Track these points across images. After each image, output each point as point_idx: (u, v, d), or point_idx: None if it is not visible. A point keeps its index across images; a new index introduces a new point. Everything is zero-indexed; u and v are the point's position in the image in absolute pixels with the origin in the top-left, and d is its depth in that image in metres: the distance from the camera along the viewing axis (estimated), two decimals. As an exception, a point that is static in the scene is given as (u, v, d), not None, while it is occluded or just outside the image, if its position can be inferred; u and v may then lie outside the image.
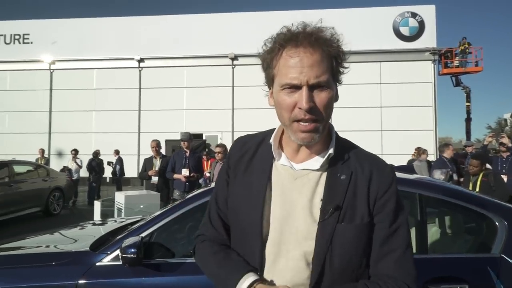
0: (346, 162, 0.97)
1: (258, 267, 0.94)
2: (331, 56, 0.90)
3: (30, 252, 2.58)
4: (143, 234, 2.18)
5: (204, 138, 15.97)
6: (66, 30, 17.93)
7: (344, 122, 16.12)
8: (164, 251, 2.16)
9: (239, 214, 1.00)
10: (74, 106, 17.60)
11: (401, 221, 0.95)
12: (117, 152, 12.26)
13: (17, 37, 18.48)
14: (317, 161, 0.96)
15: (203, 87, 16.74)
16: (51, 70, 18.03)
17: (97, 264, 2.12)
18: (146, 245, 2.10)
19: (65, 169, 10.86)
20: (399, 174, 2.64)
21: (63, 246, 2.66)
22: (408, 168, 5.33)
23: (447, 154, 6.42)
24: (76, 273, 2.10)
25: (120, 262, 2.01)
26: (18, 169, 8.57)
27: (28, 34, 18.39)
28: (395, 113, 16.06)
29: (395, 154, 13.72)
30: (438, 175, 5.89)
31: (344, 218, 0.91)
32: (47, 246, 2.83)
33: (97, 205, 5.49)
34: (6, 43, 18.50)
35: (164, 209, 2.44)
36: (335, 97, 0.95)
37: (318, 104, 0.89)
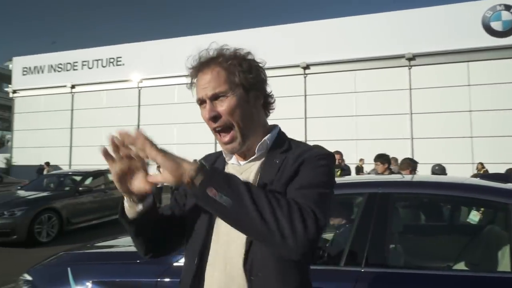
0: (284, 152, 1.07)
1: (200, 247, 1.05)
2: (226, 70, 1.03)
3: (120, 250, 2.86)
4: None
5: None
6: (151, 51, 19.72)
7: (431, 128, 14.99)
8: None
9: (195, 211, 1.09)
10: (158, 120, 19.16)
11: (321, 177, 1.00)
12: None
13: (111, 60, 20.85)
14: (258, 152, 1.08)
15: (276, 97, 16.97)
16: (139, 88, 19.91)
17: (175, 264, 2.26)
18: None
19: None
20: (487, 183, 2.37)
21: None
22: (503, 176, 4.70)
23: None
24: (156, 271, 2.26)
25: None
26: (111, 177, 9.58)
27: (120, 57, 20.62)
28: (488, 117, 14.42)
29: (490, 163, 12.28)
30: None
31: (274, 190, 0.98)
32: (134, 246, 3.10)
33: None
34: (103, 66, 20.98)
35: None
36: (245, 101, 1.04)
37: (222, 112, 1.01)
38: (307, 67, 16.96)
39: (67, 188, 8.17)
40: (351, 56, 15.99)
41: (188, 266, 1.09)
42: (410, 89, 15.34)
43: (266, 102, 1.14)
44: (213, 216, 1.03)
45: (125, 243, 3.16)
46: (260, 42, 17.45)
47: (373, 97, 15.74)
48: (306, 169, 1.00)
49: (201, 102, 1.05)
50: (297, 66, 16.96)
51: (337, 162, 6.30)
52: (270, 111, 1.16)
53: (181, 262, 2.24)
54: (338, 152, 6.42)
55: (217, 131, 1.04)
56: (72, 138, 20.83)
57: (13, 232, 6.48)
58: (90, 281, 2.36)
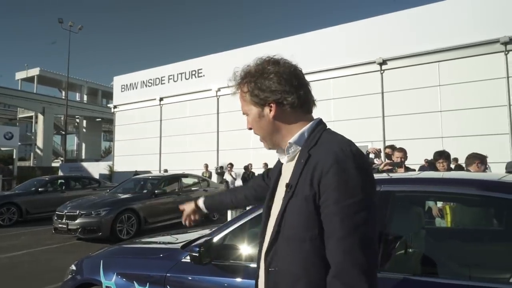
0: (310, 149, 1.10)
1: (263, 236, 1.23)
2: (245, 92, 1.23)
3: (148, 246, 3.10)
4: (219, 236, 2.34)
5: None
6: (227, 61, 20.63)
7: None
8: (234, 253, 2.25)
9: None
10: (236, 126, 19.92)
11: (341, 206, 0.96)
12: (265, 165, 13.23)
13: (193, 72, 22.40)
14: (287, 152, 1.21)
15: (350, 97, 16.38)
16: (218, 97, 21.00)
17: (182, 260, 2.39)
18: (219, 247, 2.25)
19: (223, 181, 12.38)
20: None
21: (173, 244, 3.08)
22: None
23: None
24: (167, 266, 2.42)
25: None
26: (186, 181, 10.30)
27: (201, 69, 22.03)
28: None
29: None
30: None
31: (296, 195, 1.06)
32: (169, 243, 3.32)
33: (229, 213, 6.09)
34: (186, 79, 22.65)
35: (240, 214, 2.55)
36: (261, 116, 1.21)
37: (249, 126, 1.28)
38: (383, 62, 16.01)
39: (145, 191, 9.03)
40: (433, 47, 14.62)
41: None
42: (508, 77, 13.41)
43: (302, 102, 1.16)
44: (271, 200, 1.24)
45: (166, 240, 3.41)
46: (325, 44, 17.08)
47: (459, 89, 14.14)
48: (331, 199, 0.99)
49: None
50: (373, 62, 16.13)
51: (399, 160, 5.76)
52: (312, 107, 1.21)
53: (187, 259, 2.37)
54: (402, 150, 5.78)
55: None
56: (161, 146, 22.86)
57: (98, 230, 7.42)
58: (115, 273, 2.63)
